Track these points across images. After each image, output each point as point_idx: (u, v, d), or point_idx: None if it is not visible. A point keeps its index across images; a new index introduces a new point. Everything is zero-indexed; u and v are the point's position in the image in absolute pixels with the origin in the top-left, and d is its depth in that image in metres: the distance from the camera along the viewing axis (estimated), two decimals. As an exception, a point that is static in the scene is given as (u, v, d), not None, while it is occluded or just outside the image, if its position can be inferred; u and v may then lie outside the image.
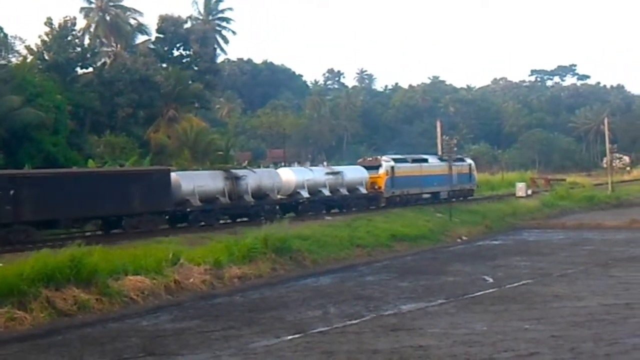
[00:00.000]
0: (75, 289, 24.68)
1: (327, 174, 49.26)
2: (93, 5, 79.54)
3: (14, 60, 61.78)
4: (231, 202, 41.56)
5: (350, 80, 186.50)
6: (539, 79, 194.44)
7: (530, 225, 55.61)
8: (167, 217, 39.20)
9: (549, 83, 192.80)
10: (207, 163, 58.67)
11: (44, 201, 32.48)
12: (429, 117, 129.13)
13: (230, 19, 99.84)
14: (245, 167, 52.26)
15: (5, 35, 61.34)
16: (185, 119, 71.24)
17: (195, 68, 79.38)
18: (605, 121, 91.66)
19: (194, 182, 39.94)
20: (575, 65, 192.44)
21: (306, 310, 25.10)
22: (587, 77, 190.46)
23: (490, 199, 63.61)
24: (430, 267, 35.75)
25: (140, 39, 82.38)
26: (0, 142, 49.06)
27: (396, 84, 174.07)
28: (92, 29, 78.97)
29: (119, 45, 78.79)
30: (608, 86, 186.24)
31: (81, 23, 75.83)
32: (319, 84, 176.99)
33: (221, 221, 41.41)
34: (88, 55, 66.72)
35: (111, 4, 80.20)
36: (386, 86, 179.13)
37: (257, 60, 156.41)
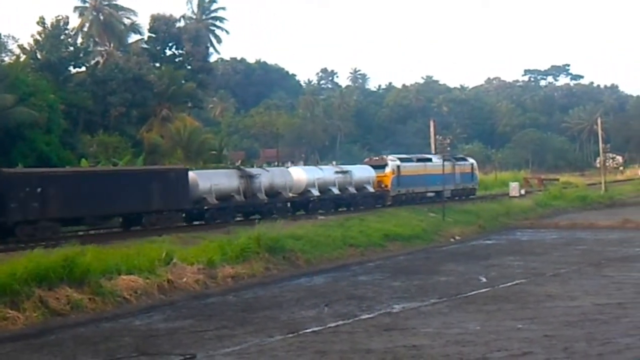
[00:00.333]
0: (68, 288, 24.60)
1: (337, 173, 50.48)
2: (87, 5, 79.42)
3: (6, 59, 61.75)
4: (245, 200, 42.86)
5: (343, 80, 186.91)
6: (532, 79, 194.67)
7: (524, 225, 55.64)
8: (183, 214, 40.35)
9: (543, 83, 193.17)
10: (200, 163, 58.63)
11: (69, 199, 33.70)
12: (423, 116, 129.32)
13: (223, 19, 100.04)
14: (260, 167, 53.65)
15: (-1, 34, 61.27)
16: (179, 119, 71.17)
17: (188, 67, 79.41)
18: (599, 121, 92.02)
19: (210, 180, 41.34)
20: (568, 65, 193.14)
21: (299, 310, 25.08)
22: (581, 77, 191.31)
23: (483, 199, 63.67)
24: (423, 266, 35.74)
25: (134, 38, 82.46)
26: (-6, 141, 48.99)
27: (390, 83, 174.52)
28: (85, 28, 78.86)
29: (112, 45, 78.68)
30: (601, 86, 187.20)
31: (74, 22, 75.90)
32: (312, 83, 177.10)
33: (237, 218, 42.42)
34: (81, 55, 66.65)
35: (105, 3, 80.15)
36: (380, 86, 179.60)
37: (251, 59, 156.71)
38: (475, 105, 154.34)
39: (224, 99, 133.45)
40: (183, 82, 75.13)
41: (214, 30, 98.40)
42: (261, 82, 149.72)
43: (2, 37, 62.72)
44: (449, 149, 58.83)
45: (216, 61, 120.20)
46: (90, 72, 67.40)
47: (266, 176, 44.73)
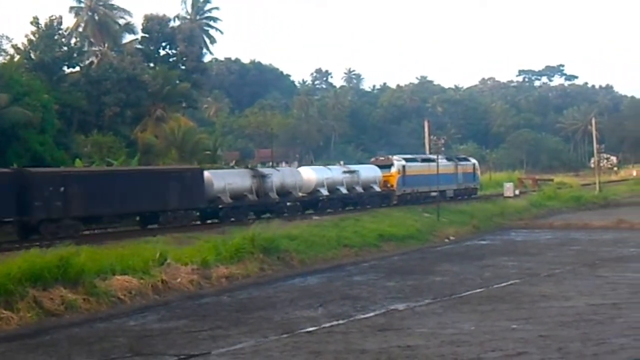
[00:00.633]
0: (63, 288, 24.60)
1: (344, 172, 51.58)
2: (82, 5, 79.25)
3: (0, 59, 61.55)
4: (258, 199, 44.06)
5: (338, 80, 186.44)
6: (526, 79, 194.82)
7: (518, 225, 55.76)
8: (198, 213, 41.30)
9: (537, 83, 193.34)
10: (194, 163, 58.54)
11: (91, 198, 34.59)
12: (417, 117, 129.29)
13: (217, 19, 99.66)
14: (271, 166, 54.97)
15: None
16: (173, 119, 70.97)
17: (183, 67, 79.30)
18: (593, 121, 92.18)
19: (224, 180, 42.54)
20: (563, 66, 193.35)
21: (294, 310, 25.08)
22: (575, 77, 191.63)
23: (478, 199, 63.76)
24: (417, 267, 35.79)
25: (128, 38, 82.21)
26: (-12, 141, 48.84)
27: (384, 84, 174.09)
28: (80, 29, 78.69)
29: (106, 45, 78.52)
30: (596, 86, 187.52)
31: (69, 22, 75.71)
32: (306, 83, 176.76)
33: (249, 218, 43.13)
34: (75, 55, 66.50)
35: (100, 3, 79.87)
36: (374, 86, 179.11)
37: (245, 59, 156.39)
38: (469, 106, 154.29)
39: (219, 99, 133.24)
40: (177, 82, 74.89)
41: (208, 30, 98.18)
42: (255, 82, 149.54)
43: (-4, 37, 62.52)
44: (443, 149, 59.08)
45: (210, 61, 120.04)
46: (85, 72, 67.24)
47: (277, 176, 46.14)
